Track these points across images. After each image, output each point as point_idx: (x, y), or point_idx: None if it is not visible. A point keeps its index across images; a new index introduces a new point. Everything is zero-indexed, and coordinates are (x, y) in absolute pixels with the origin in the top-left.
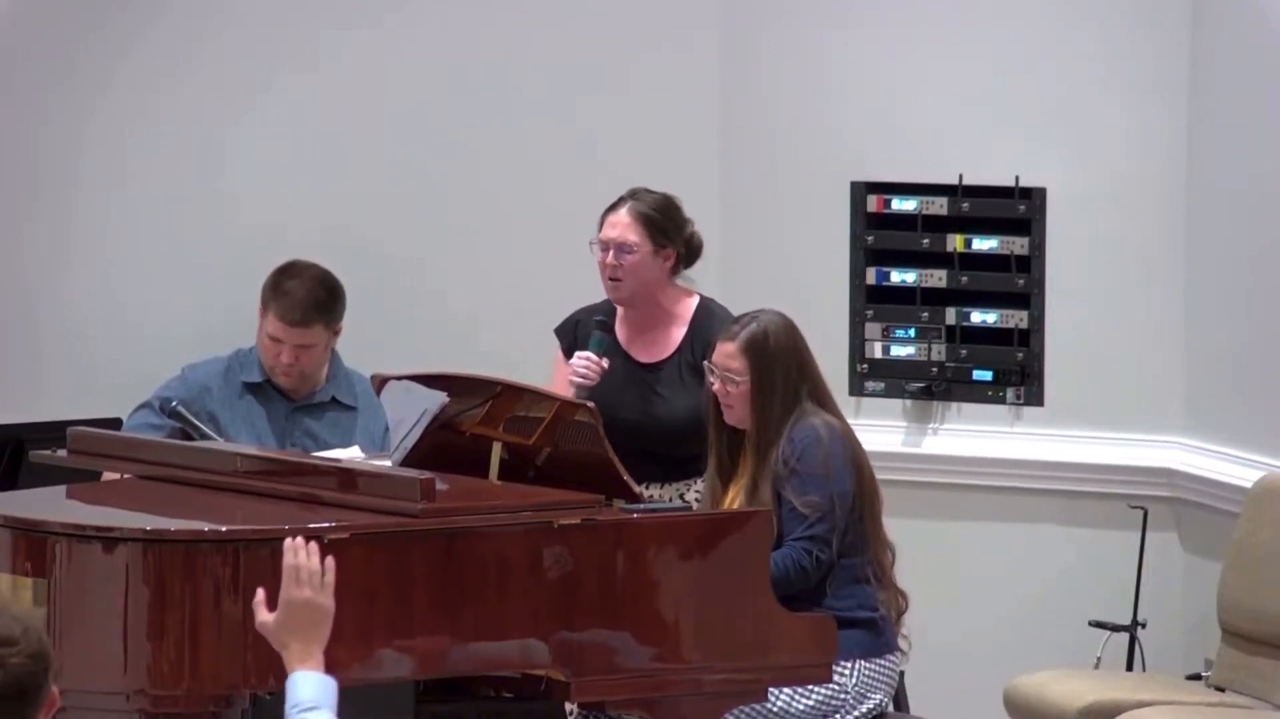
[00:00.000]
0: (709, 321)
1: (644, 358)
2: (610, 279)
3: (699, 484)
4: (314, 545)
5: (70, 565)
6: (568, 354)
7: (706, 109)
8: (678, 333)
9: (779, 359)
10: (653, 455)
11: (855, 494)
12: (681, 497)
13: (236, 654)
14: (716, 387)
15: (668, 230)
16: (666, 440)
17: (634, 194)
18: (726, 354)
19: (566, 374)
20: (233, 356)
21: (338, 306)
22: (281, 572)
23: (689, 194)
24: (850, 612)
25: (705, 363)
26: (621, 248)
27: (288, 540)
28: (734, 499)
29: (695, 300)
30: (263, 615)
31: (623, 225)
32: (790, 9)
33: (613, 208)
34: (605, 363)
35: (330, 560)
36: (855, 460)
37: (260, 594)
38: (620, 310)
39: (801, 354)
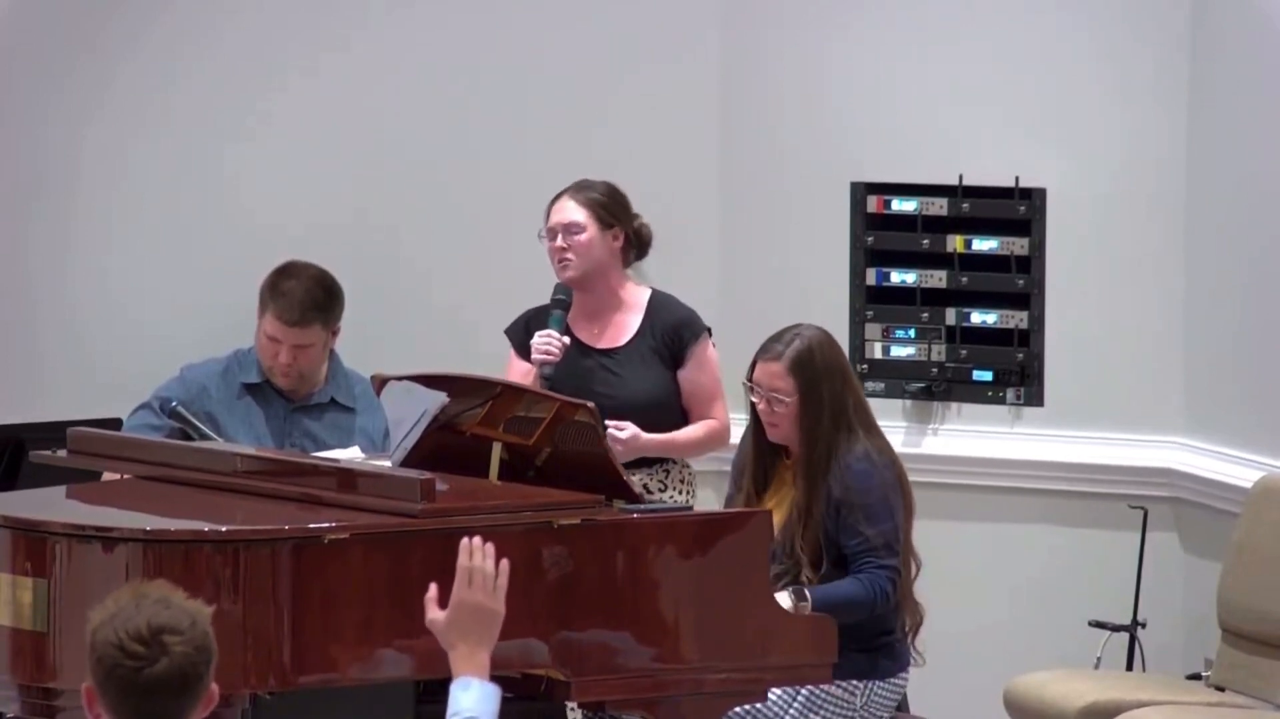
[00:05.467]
0: (666, 308)
1: (599, 344)
2: (560, 261)
3: (658, 473)
4: (490, 547)
5: (70, 565)
6: (520, 352)
7: (706, 109)
8: (632, 319)
9: (826, 376)
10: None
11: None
12: (645, 487)
13: (236, 654)
14: (761, 407)
15: (613, 210)
16: (629, 422)
17: (577, 184)
18: (772, 374)
19: (518, 374)
20: (231, 357)
21: (336, 307)
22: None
23: (689, 194)
24: (872, 639)
25: (745, 382)
26: (569, 229)
27: (464, 541)
28: (774, 511)
29: (648, 291)
30: (433, 613)
31: (568, 209)
32: (790, 10)
33: (556, 198)
34: (566, 340)
35: (505, 564)
36: (901, 484)
37: (433, 590)
38: (573, 298)
39: (845, 369)
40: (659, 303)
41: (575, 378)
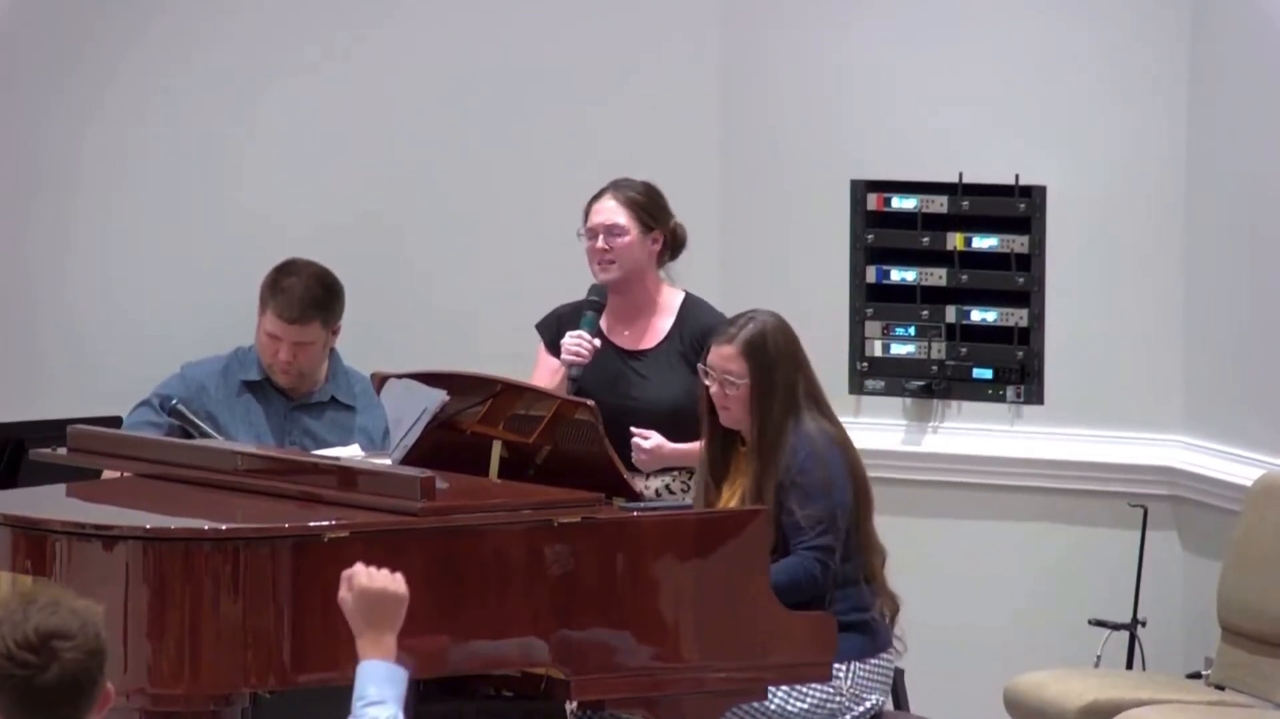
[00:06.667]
0: (697, 313)
1: (628, 345)
2: (601, 263)
3: (680, 475)
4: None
5: (70, 564)
6: (550, 349)
7: (706, 109)
8: (664, 322)
9: (778, 361)
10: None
11: (852, 503)
12: (667, 488)
13: (236, 653)
14: (714, 389)
15: (654, 213)
16: (652, 426)
17: (616, 183)
18: (724, 356)
19: (548, 369)
20: (232, 356)
21: (336, 305)
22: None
23: (689, 194)
24: (843, 615)
25: (700, 365)
26: (611, 230)
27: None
28: (729, 501)
29: (681, 294)
30: (345, 592)
31: (610, 210)
32: (790, 10)
33: (597, 196)
34: (597, 342)
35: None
36: (852, 469)
37: (358, 568)
38: (608, 299)
39: (797, 354)
40: (690, 307)
41: (602, 379)
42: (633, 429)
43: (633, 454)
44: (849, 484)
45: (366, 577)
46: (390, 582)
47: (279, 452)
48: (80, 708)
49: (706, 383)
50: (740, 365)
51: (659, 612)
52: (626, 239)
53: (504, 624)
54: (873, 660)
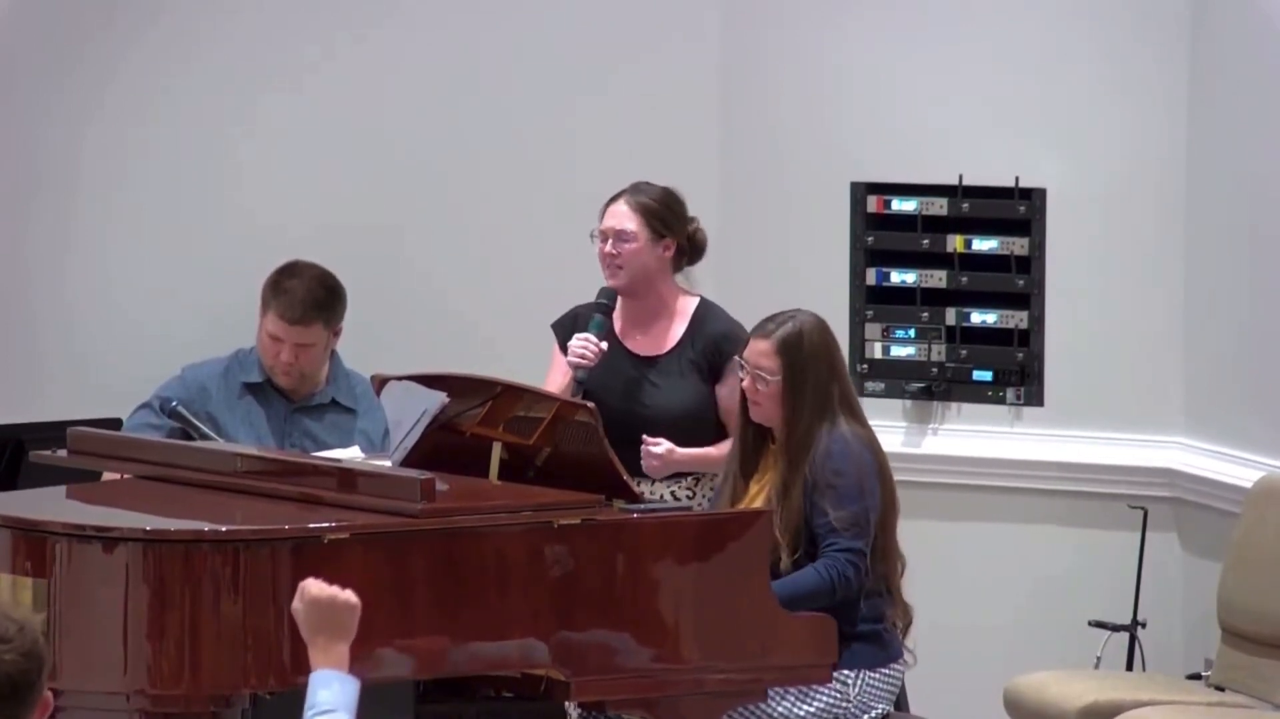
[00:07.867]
0: (710, 320)
1: (641, 350)
2: (609, 267)
3: (687, 481)
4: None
5: (70, 566)
6: (564, 348)
7: (706, 109)
8: (677, 328)
9: (812, 362)
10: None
11: (880, 507)
12: (674, 495)
13: (236, 654)
14: (746, 383)
15: (667, 220)
16: (663, 433)
17: (635, 187)
18: (759, 352)
19: (561, 369)
20: (232, 357)
21: (338, 306)
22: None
23: (689, 193)
24: (858, 625)
25: (736, 357)
26: (620, 236)
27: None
28: (756, 496)
29: (696, 300)
30: (297, 602)
31: (621, 215)
32: (790, 10)
33: (613, 199)
34: (604, 345)
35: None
36: (881, 473)
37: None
38: (620, 302)
39: (834, 357)
40: (704, 313)
41: (616, 386)
42: (645, 437)
43: (643, 461)
44: (879, 489)
45: (318, 586)
46: (341, 591)
47: (279, 453)
48: (19, 713)
49: (741, 376)
50: (774, 362)
51: (659, 613)
52: (634, 245)
53: (504, 626)
54: (883, 670)
